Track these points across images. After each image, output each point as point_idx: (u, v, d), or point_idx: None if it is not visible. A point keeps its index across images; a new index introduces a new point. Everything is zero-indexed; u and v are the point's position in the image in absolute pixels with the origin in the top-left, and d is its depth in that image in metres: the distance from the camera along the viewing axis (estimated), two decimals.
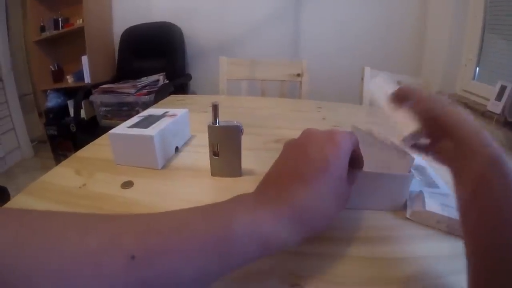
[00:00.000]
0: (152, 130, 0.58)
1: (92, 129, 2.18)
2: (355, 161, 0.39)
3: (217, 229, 0.26)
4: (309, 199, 0.31)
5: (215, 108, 0.51)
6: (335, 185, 0.33)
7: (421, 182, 0.55)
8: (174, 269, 0.23)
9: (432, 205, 0.45)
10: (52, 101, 2.48)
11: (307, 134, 0.38)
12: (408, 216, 0.47)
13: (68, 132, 2.31)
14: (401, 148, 0.50)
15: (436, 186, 0.52)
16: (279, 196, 0.31)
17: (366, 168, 0.46)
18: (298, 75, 1.42)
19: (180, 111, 0.71)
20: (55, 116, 2.43)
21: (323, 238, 0.41)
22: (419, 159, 0.62)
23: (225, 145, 0.54)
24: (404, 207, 0.49)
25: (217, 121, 0.52)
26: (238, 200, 0.31)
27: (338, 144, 0.34)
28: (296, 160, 0.34)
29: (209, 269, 0.25)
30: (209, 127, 0.52)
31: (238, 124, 0.51)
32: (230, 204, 0.30)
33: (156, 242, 0.23)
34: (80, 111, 2.26)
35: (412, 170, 0.48)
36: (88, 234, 0.22)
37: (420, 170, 0.59)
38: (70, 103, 2.46)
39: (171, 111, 0.71)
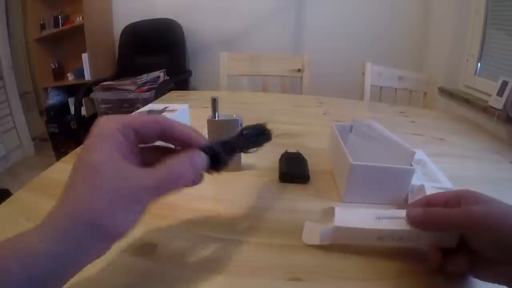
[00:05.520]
0: None
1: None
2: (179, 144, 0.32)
3: None
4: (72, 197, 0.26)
5: (214, 102, 0.50)
6: (87, 177, 0.26)
7: (422, 176, 0.54)
8: None
9: None
10: (53, 99, 2.48)
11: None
12: None
13: (69, 129, 2.31)
14: (401, 142, 0.50)
15: (438, 181, 0.52)
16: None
17: (367, 161, 0.46)
18: (299, 70, 1.42)
19: (180, 107, 0.70)
20: (56, 114, 2.43)
21: None
22: (420, 153, 0.62)
23: None
24: (406, 201, 0.48)
25: (217, 115, 0.51)
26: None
27: (93, 130, 0.28)
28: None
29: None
30: (208, 121, 0.52)
31: (238, 118, 0.51)
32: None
33: None
34: (81, 109, 2.25)
35: (414, 164, 0.48)
36: None
37: (422, 164, 0.59)
38: (71, 101, 2.46)
39: (171, 106, 0.71)
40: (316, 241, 0.38)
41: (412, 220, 0.33)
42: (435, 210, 0.33)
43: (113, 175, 0.26)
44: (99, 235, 0.25)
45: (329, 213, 0.40)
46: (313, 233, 0.40)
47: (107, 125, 0.28)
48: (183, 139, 0.31)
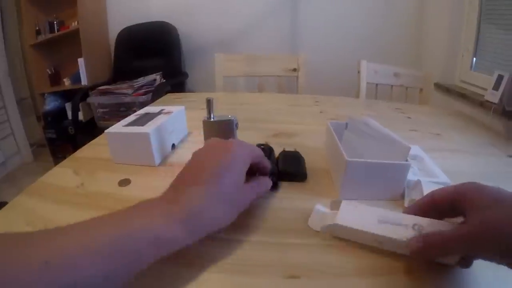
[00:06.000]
0: (148, 128, 0.58)
1: (91, 131, 2.17)
2: (260, 172, 0.45)
3: (114, 229, 0.28)
4: (201, 202, 0.33)
5: (209, 103, 0.51)
6: (227, 191, 0.36)
7: (419, 171, 0.55)
8: (81, 271, 0.24)
9: None
10: (50, 104, 2.48)
11: (208, 144, 0.42)
12: (406, 205, 0.47)
13: (66, 135, 2.31)
14: (397, 138, 0.50)
15: (435, 175, 0.52)
16: (176, 199, 0.33)
17: (363, 158, 0.46)
18: (294, 69, 1.42)
19: (176, 108, 0.70)
20: (53, 119, 2.42)
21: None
22: (416, 149, 0.62)
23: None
24: (402, 196, 0.48)
25: (212, 116, 0.52)
26: (141, 203, 0.33)
27: (232, 153, 0.38)
28: (195, 167, 0.38)
29: (108, 270, 0.26)
30: (204, 122, 0.52)
31: (233, 118, 0.51)
32: (133, 207, 0.32)
33: (67, 246, 0.25)
34: (78, 114, 2.25)
35: (409, 159, 0.48)
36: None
37: (418, 159, 0.59)
38: (68, 106, 2.46)
39: (167, 108, 0.71)
40: (317, 229, 0.41)
41: (413, 253, 0.33)
42: (434, 239, 0.32)
43: (238, 191, 0.38)
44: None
45: (337, 205, 0.41)
46: (318, 219, 0.42)
47: (245, 154, 0.40)
48: (264, 170, 0.46)
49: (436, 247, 0.32)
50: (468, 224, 0.30)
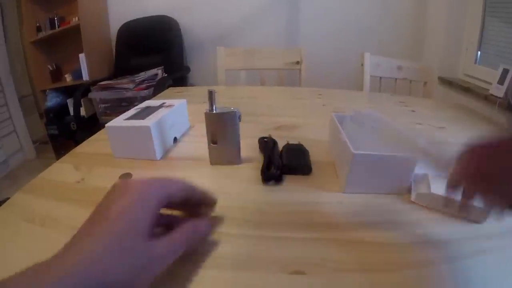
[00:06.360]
0: (148, 121, 0.57)
1: (93, 127, 2.17)
2: (196, 211, 0.38)
3: None
4: (88, 256, 0.26)
5: (211, 94, 0.50)
6: (117, 241, 0.27)
7: (425, 165, 0.54)
8: None
9: (438, 187, 0.44)
10: (52, 100, 2.47)
11: (112, 186, 0.33)
12: (412, 199, 0.46)
13: (69, 130, 2.31)
14: (404, 131, 0.49)
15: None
16: (67, 251, 0.27)
17: (369, 150, 0.45)
18: (297, 62, 1.41)
19: (177, 102, 0.70)
20: (55, 116, 2.42)
21: (325, 224, 0.40)
22: (423, 142, 0.61)
23: (223, 132, 0.53)
24: (409, 190, 0.47)
25: (214, 108, 0.51)
26: (30, 268, 0.26)
27: (133, 194, 0.30)
28: (90, 215, 0.30)
29: None
30: (206, 114, 0.51)
31: (235, 110, 0.50)
32: (21, 273, 0.25)
33: None
34: (80, 109, 2.25)
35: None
36: None
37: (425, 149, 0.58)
38: (70, 102, 2.45)
39: (168, 102, 0.70)
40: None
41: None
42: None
43: (139, 247, 0.28)
44: None
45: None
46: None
47: (148, 194, 0.31)
48: (199, 202, 0.38)
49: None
50: None
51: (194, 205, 0.38)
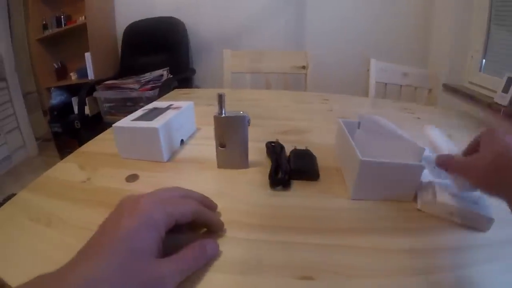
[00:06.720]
0: (156, 123, 0.57)
1: (97, 126, 2.17)
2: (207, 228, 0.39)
3: None
4: (96, 277, 0.26)
5: (220, 98, 0.50)
6: (125, 261, 0.27)
7: (431, 172, 0.54)
8: None
9: (443, 196, 0.44)
10: (56, 98, 2.48)
11: (119, 202, 0.34)
12: (418, 207, 0.46)
13: (72, 129, 2.32)
14: (410, 138, 0.49)
15: (447, 177, 0.51)
16: (72, 270, 0.26)
17: (375, 157, 0.45)
18: (303, 67, 1.41)
19: (185, 104, 0.70)
20: (60, 114, 2.43)
21: (333, 230, 0.40)
22: (427, 150, 0.61)
23: (232, 136, 0.53)
24: (415, 197, 0.47)
25: (223, 112, 0.51)
26: (33, 283, 0.26)
27: (138, 213, 0.31)
28: (97, 232, 0.31)
29: None
30: (215, 117, 0.51)
31: (245, 115, 0.50)
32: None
33: None
34: (84, 108, 2.25)
35: (423, 161, 0.47)
36: None
37: (431, 161, 0.58)
38: (74, 100, 2.46)
39: (176, 103, 0.70)
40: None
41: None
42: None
43: (147, 268, 0.29)
44: None
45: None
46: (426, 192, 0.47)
47: (156, 215, 0.32)
48: (207, 225, 0.39)
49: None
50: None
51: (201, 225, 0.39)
